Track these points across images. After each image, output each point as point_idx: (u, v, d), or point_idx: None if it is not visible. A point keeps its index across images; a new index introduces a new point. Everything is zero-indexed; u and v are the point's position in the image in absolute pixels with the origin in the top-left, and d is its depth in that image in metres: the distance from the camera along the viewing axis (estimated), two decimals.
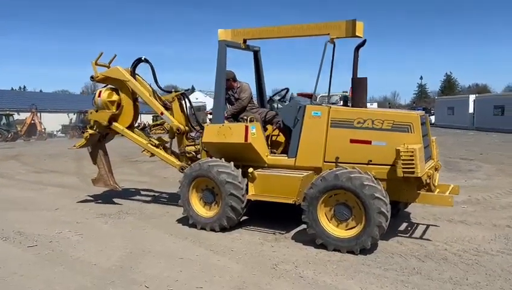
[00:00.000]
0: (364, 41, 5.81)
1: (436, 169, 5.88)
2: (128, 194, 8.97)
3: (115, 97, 7.45)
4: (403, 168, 5.04)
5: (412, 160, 4.99)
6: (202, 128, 7.40)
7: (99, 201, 8.33)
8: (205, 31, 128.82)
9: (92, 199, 8.56)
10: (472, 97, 36.05)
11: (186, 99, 7.32)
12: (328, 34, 5.92)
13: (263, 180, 5.91)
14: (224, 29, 6.75)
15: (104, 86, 7.64)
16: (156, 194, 9.03)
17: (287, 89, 6.94)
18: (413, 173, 5.02)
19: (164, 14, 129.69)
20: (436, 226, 6.25)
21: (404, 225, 6.33)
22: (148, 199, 8.56)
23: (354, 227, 5.19)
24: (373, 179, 5.12)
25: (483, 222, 6.42)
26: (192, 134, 7.32)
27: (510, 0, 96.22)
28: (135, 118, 7.69)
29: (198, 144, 7.22)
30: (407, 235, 5.87)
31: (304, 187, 5.61)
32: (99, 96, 7.43)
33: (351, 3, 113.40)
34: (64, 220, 6.93)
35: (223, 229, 6.05)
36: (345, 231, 5.23)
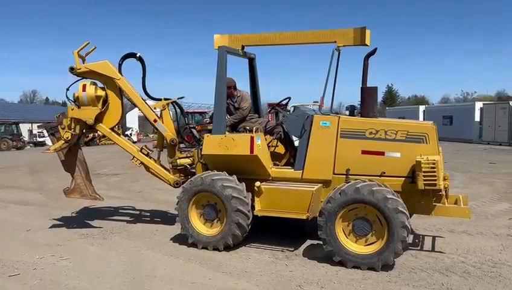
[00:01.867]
0: (375, 50, 5.66)
1: (445, 179, 5.81)
2: (105, 211, 8.29)
3: (101, 93, 6.49)
4: (424, 180, 4.90)
5: (434, 172, 4.86)
6: (197, 139, 6.98)
7: (77, 220, 7.60)
8: (156, 36, 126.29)
9: (67, 217, 7.81)
10: (422, 108, 37.59)
11: (178, 108, 6.83)
12: (335, 41, 5.74)
13: (271, 194, 5.57)
14: (220, 34, 6.42)
15: (81, 79, 6.59)
16: (137, 211, 8.40)
17: (289, 98, 6.68)
18: (435, 185, 4.89)
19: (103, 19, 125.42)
20: (441, 237, 6.18)
21: (410, 237, 6.19)
22: (129, 216, 7.93)
23: (374, 242, 4.97)
24: (393, 192, 4.94)
25: (484, 231, 6.43)
26: (182, 145, 6.82)
27: (440, 19, 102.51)
28: (120, 120, 6.79)
29: (192, 156, 6.76)
30: (418, 248, 5.74)
31: (315, 201, 5.35)
32: (83, 90, 6.38)
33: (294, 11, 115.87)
34: (42, 242, 6.21)
35: (227, 248, 5.64)
36: (364, 247, 5.00)
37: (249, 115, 6.53)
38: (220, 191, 5.54)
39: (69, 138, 6.59)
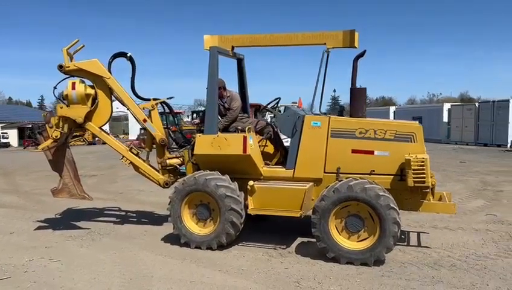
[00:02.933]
0: (364, 52, 5.84)
1: (431, 177, 6.04)
2: (90, 213, 8.17)
3: (90, 91, 6.38)
4: (414, 177, 5.10)
5: (423, 169, 5.06)
6: (186, 140, 6.99)
7: (61, 222, 7.44)
8: (123, 36, 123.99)
9: (51, 219, 7.63)
10: (392, 109, 38.53)
11: (167, 108, 6.82)
12: (325, 43, 5.88)
13: (264, 193, 5.64)
14: (210, 35, 6.45)
15: (68, 77, 6.48)
16: (122, 213, 8.29)
17: (279, 99, 6.77)
18: (423, 182, 5.09)
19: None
20: (425, 233, 6.42)
21: None
22: (115, 217, 7.83)
23: (366, 238, 5.13)
24: (384, 189, 5.11)
25: (464, 227, 6.72)
26: (175, 146, 6.82)
27: (410, 22, 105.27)
28: (109, 119, 6.73)
29: (181, 156, 6.76)
30: (405, 243, 5.94)
31: (308, 199, 5.47)
32: (73, 88, 6.26)
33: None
34: (28, 245, 6.07)
35: (220, 247, 5.68)
36: (357, 243, 5.15)
37: (239, 115, 6.58)
38: (214, 190, 5.58)
39: (58, 136, 6.48)
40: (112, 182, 12.53)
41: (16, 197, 10.21)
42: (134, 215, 7.99)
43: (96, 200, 9.29)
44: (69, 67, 6.36)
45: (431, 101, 60.97)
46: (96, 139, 37.19)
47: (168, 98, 6.82)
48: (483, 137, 26.25)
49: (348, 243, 5.16)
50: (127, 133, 49.22)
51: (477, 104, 27.79)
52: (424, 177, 5.06)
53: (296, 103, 19.03)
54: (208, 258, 5.37)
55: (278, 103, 6.73)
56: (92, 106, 6.43)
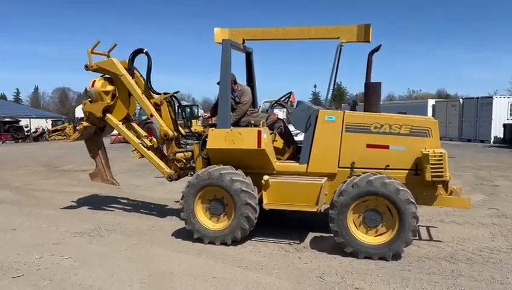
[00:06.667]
0: (379, 46, 5.83)
1: None
2: (91, 208, 7.99)
3: (109, 87, 6.84)
4: (432, 172, 5.12)
5: (441, 164, 5.09)
6: (193, 134, 6.93)
7: (63, 217, 7.26)
8: (101, 30, 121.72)
9: (52, 215, 7.44)
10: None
11: (176, 102, 6.73)
12: (338, 37, 5.86)
13: (279, 188, 5.60)
14: (220, 28, 6.36)
15: (102, 75, 6.98)
16: (124, 208, 8.12)
17: (291, 93, 6.72)
18: (442, 177, 5.13)
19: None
20: (434, 227, 6.48)
21: None
22: (118, 213, 7.66)
23: (384, 233, 5.14)
24: (402, 184, 5.13)
25: (470, 221, 6.82)
26: (188, 141, 6.80)
27: (386, 19, 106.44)
28: (131, 111, 7.13)
29: (190, 151, 6.67)
30: (417, 237, 5.97)
31: (323, 194, 5.46)
32: (92, 86, 6.77)
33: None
34: (34, 242, 5.88)
35: (234, 242, 5.62)
36: (375, 238, 5.16)
37: (249, 109, 6.51)
38: (229, 185, 5.51)
39: (82, 129, 7.18)
40: None
41: (8, 192, 9.91)
42: (137, 210, 7.84)
43: (95, 196, 9.18)
44: (92, 66, 6.81)
45: (410, 98, 61.85)
46: (62, 135, 35.96)
47: (174, 92, 6.77)
48: (466, 133, 26.81)
49: (366, 238, 5.16)
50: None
51: (461, 101, 28.34)
52: (442, 172, 5.10)
53: (291, 93, 19.09)
54: (224, 254, 5.30)
55: (289, 97, 6.68)
56: (111, 101, 6.87)
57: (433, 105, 30.53)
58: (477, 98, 26.59)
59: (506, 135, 23.18)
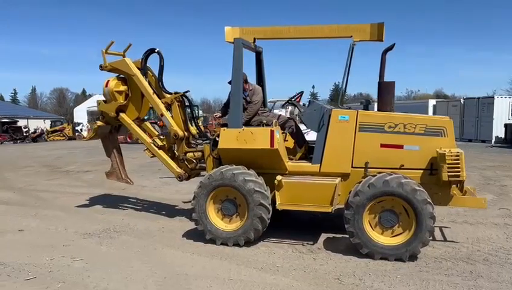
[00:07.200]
0: (393, 45, 5.77)
1: None
2: (98, 209, 7.92)
3: (122, 87, 6.89)
4: (449, 172, 5.06)
5: (458, 164, 5.03)
6: (202, 134, 6.88)
7: (71, 219, 7.17)
8: (100, 30, 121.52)
9: (59, 216, 7.35)
10: (376, 105, 38.90)
11: (187, 102, 6.66)
12: (351, 36, 5.80)
13: (292, 188, 5.53)
14: (231, 27, 6.29)
15: (117, 75, 7.00)
16: (132, 209, 8.03)
17: (302, 92, 6.66)
18: (458, 176, 5.06)
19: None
20: (447, 227, 6.42)
21: None
22: (125, 214, 7.56)
23: (400, 234, 5.08)
24: (419, 184, 5.07)
25: (483, 221, 6.76)
26: (198, 140, 6.74)
27: (385, 20, 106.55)
28: (144, 110, 7.11)
29: (200, 151, 6.60)
30: (431, 238, 5.90)
31: (336, 194, 5.39)
32: (106, 86, 6.81)
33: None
34: (43, 243, 5.80)
35: (247, 243, 5.55)
36: (391, 239, 5.10)
37: (260, 109, 6.44)
38: (242, 185, 5.44)
39: (97, 128, 7.21)
40: None
41: (12, 193, 9.81)
42: (145, 211, 7.76)
43: (100, 196, 9.09)
44: (107, 66, 6.84)
45: (409, 98, 61.90)
46: (77, 134, 36.17)
47: (185, 92, 6.71)
48: (467, 133, 26.78)
49: (382, 239, 5.09)
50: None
51: (462, 101, 28.32)
52: (459, 172, 5.03)
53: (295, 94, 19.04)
54: (237, 255, 5.23)
55: (301, 96, 6.61)
56: (124, 100, 6.90)
57: (433, 105, 30.50)
58: (479, 98, 26.55)
59: (508, 135, 23.16)
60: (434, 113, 30.06)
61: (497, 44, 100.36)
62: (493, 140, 24.57)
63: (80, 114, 45.40)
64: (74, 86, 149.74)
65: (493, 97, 25.43)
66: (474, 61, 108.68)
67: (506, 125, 23.51)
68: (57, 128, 39.72)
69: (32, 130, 38.75)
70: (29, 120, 44.41)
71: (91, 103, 48.62)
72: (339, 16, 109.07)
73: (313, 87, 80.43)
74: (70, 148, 24.47)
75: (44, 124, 43.78)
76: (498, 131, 24.43)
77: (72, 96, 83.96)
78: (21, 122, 40.73)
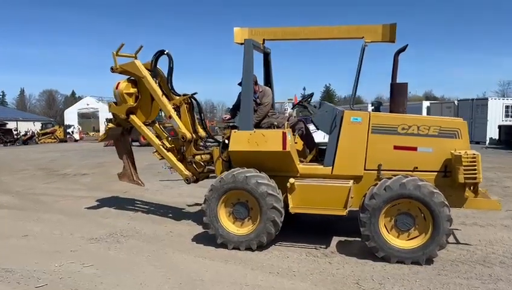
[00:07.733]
0: (406, 46, 5.72)
1: None
2: (102, 213, 7.78)
3: (132, 89, 6.80)
4: (465, 174, 5.01)
5: (475, 166, 4.99)
6: (210, 136, 6.79)
7: (75, 223, 7.01)
8: (88, 32, 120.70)
9: (62, 221, 7.19)
10: (370, 107, 39.10)
11: (196, 104, 6.57)
12: (363, 37, 5.74)
13: (305, 191, 5.45)
14: (240, 27, 6.21)
15: (128, 78, 6.91)
16: (136, 212, 7.90)
17: (312, 94, 6.58)
18: (475, 178, 5.02)
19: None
20: (457, 229, 6.39)
21: None
22: (130, 217, 7.42)
23: (416, 237, 5.02)
24: (435, 186, 5.02)
25: (492, 223, 6.74)
26: (208, 143, 6.65)
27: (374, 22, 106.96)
28: (154, 112, 7.00)
29: (208, 153, 6.50)
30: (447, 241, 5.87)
31: (351, 197, 5.32)
32: (116, 87, 6.74)
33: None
34: (50, 249, 5.65)
35: (259, 247, 5.46)
36: (407, 242, 5.04)
37: (270, 110, 6.36)
38: (254, 188, 5.35)
39: (108, 130, 7.28)
40: (109, 181, 11.97)
41: (10, 197, 9.60)
42: (150, 214, 7.63)
43: (102, 200, 8.94)
44: (117, 69, 6.80)
45: None
46: (68, 136, 35.87)
47: (193, 93, 6.62)
48: None
49: (398, 242, 5.04)
50: (98, 131, 47.86)
51: (456, 102, 28.50)
52: (476, 174, 4.99)
53: (291, 99, 18.99)
54: (251, 260, 5.14)
55: (311, 98, 6.54)
56: (135, 102, 6.83)
57: (427, 107, 30.68)
58: (473, 99, 26.76)
59: (502, 136, 23.34)
60: (428, 114, 30.23)
61: (487, 46, 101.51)
62: (487, 141, 24.74)
63: (71, 116, 45.04)
64: (63, 88, 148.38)
65: (487, 99, 25.63)
66: (463, 63, 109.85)
67: (500, 127, 23.71)
68: (48, 130, 39.24)
69: (23, 133, 38.22)
70: (18, 122, 43.79)
71: (81, 105, 48.33)
72: (334, 17, 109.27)
73: (304, 89, 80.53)
74: (63, 151, 24.16)
75: (34, 127, 43.24)
76: (492, 132, 24.61)
77: (62, 98, 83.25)
78: (10, 125, 40.13)
